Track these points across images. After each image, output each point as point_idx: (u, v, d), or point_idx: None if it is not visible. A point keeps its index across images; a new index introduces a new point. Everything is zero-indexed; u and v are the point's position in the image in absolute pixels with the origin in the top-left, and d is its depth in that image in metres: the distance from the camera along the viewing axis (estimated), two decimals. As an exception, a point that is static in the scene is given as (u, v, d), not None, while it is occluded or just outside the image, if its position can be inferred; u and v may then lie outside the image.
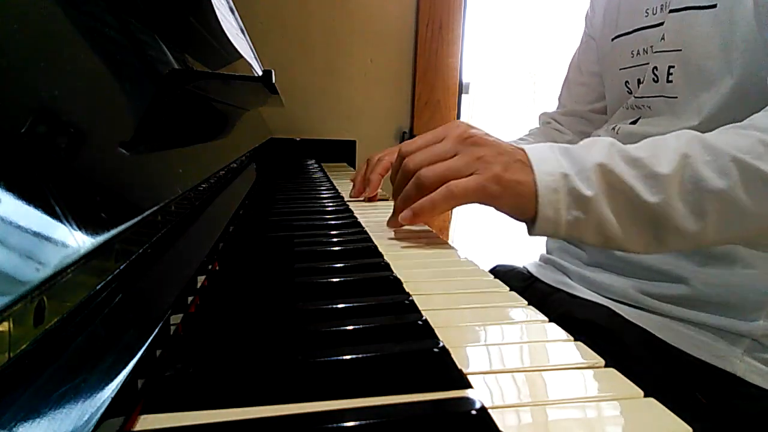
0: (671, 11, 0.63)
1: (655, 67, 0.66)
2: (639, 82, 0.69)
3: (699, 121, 0.60)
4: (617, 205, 0.46)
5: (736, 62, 0.57)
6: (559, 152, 0.48)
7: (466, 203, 0.47)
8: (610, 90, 0.79)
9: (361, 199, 0.77)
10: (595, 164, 0.46)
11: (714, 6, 0.59)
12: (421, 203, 0.48)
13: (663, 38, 0.64)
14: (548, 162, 0.47)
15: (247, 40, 1.02)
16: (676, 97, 0.64)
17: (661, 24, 0.65)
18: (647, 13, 0.68)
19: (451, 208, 0.47)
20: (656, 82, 0.66)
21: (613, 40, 0.75)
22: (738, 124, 0.50)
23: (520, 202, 0.47)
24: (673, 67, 0.63)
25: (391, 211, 0.54)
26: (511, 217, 0.49)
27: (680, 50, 0.62)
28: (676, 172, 0.46)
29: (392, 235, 0.54)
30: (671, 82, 0.64)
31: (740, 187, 0.45)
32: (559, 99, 0.94)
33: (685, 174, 0.46)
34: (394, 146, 0.79)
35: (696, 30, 0.60)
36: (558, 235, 0.48)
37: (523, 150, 0.49)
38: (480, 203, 0.48)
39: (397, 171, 0.53)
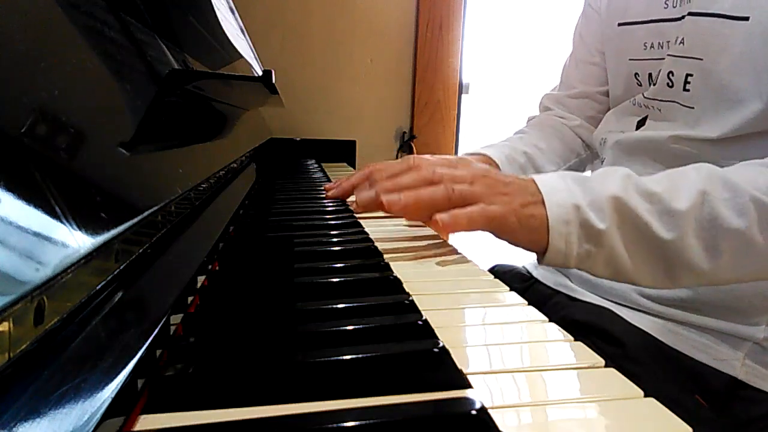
0: (693, 14, 0.59)
1: (671, 72, 0.62)
2: (650, 77, 0.67)
3: (718, 135, 0.58)
4: (629, 239, 0.45)
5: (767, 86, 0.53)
6: (572, 181, 0.48)
7: (488, 229, 0.47)
8: (615, 77, 0.76)
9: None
10: (609, 196, 0.45)
11: (746, 19, 0.54)
12: (462, 214, 0.45)
13: (682, 42, 0.60)
14: (559, 192, 0.47)
15: (247, 40, 1.02)
16: (693, 108, 0.61)
17: (680, 19, 0.61)
18: (666, 4, 0.63)
19: (478, 228, 0.47)
20: (671, 87, 0.63)
21: (620, 25, 0.71)
22: (761, 160, 0.49)
23: (533, 236, 0.46)
24: (691, 75, 0.60)
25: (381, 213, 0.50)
26: (525, 248, 0.48)
27: (701, 59, 0.58)
28: (693, 209, 0.44)
29: (393, 235, 0.54)
30: (688, 90, 0.61)
31: (756, 228, 0.44)
32: (564, 78, 0.88)
33: (703, 211, 0.44)
34: (394, 162, 0.71)
35: (721, 41, 0.56)
36: (567, 266, 0.47)
37: (534, 182, 0.48)
38: (496, 234, 0.47)
39: (404, 171, 0.51)
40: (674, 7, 0.63)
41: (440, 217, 0.45)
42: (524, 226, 0.46)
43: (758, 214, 0.44)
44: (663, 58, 0.64)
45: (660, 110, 0.66)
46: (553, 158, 0.82)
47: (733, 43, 0.55)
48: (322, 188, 0.81)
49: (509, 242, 0.48)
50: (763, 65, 0.54)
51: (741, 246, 0.45)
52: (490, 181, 0.48)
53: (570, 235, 0.45)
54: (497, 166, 0.75)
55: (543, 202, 0.46)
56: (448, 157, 0.67)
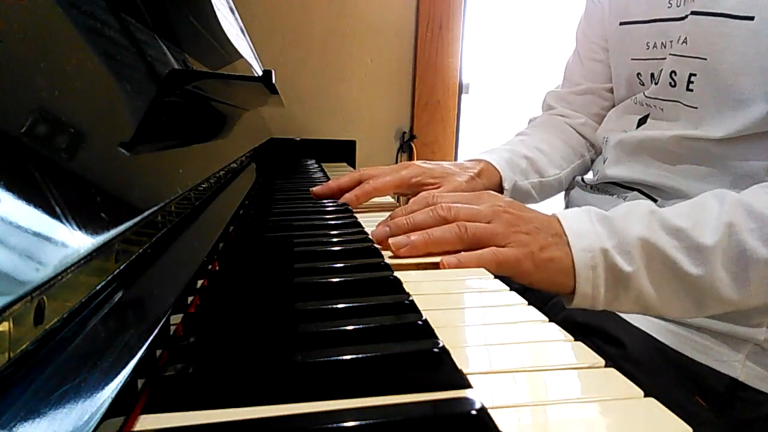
0: (696, 13, 0.58)
1: (674, 71, 0.62)
2: (652, 76, 0.67)
3: (722, 135, 0.57)
4: (658, 277, 0.45)
5: None
6: (597, 221, 0.47)
7: (499, 273, 0.45)
8: (618, 76, 0.76)
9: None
10: (636, 237, 0.45)
11: (751, 18, 0.54)
12: (471, 258, 0.44)
13: (685, 41, 0.60)
14: (586, 236, 0.46)
15: (247, 40, 1.02)
16: (697, 108, 0.60)
17: (683, 18, 0.61)
18: (670, 4, 0.63)
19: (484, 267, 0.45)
20: (673, 86, 0.62)
21: (621, 24, 0.71)
22: None
23: (554, 279, 0.46)
24: (694, 75, 0.60)
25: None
26: (544, 290, 0.47)
27: (705, 59, 0.58)
28: (721, 243, 0.44)
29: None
30: (691, 90, 0.60)
31: None
32: (568, 75, 0.88)
33: (730, 244, 0.44)
34: (387, 167, 0.70)
35: (726, 41, 0.56)
36: (595, 308, 0.47)
37: (558, 222, 0.47)
38: (510, 276, 0.45)
39: (422, 207, 0.49)
40: (678, 6, 0.63)
41: (446, 260, 0.43)
42: (541, 270, 0.45)
43: None
44: (665, 58, 0.64)
45: (662, 109, 0.65)
46: (557, 160, 0.81)
47: (738, 43, 0.55)
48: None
49: (524, 284, 0.46)
50: None
51: None
52: (512, 218, 0.47)
53: (597, 279, 0.45)
54: (498, 171, 0.74)
55: (568, 245, 0.45)
56: (474, 191, 0.60)
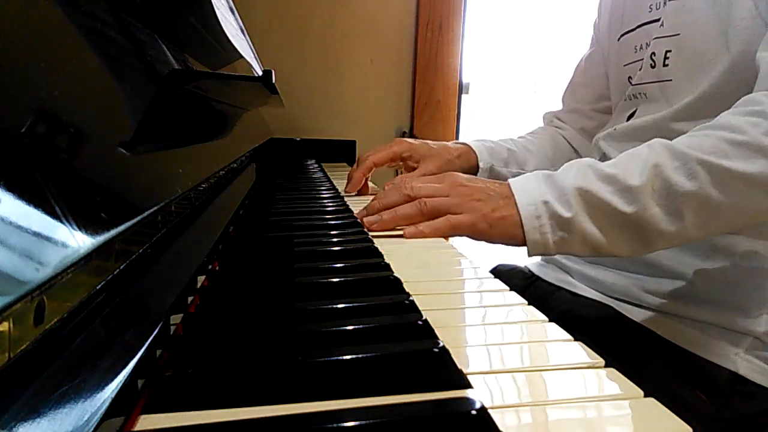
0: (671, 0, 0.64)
1: (653, 53, 0.66)
2: (639, 70, 0.70)
3: (693, 98, 0.61)
4: (598, 219, 0.51)
5: (734, 40, 0.58)
6: (543, 180, 0.54)
7: (459, 235, 0.54)
8: (614, 87, 0.80)
9: (354, 194, 0.81)
10: (573, 187, 0.51)
11: None
12: (427, 226, 0.54)
13: (662, 25, 0.65)
14: (530, 192, 0.53)
15: (247, 40, 1.02)
16: (671, 80, 0.65)
17: (660, 19, 0.66)
18: (651, 8, 0.68)
19: (445, 236, 0.54)
20: (653, 67, 0.67)
21: (618, 39, 0.75)
22: (707, 124, 0.53)
23: (508, 232, 0.52)
24: (670, 51, 0.65)
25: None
26: (504, 244, 0.54)
27: (678, 34, 0.63)
28: (648, 182, 0.50)
29: (393, 235, 0.54)
30: (667, 66, 0.65)
31: (710, 186, 0.48)
32: (563, 99, 0.96)
33: (656, 182, 0.50)
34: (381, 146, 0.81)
35: (694, 14, 0.61)
36: (549, 253, 0.53)
37: (508, 186, 0.54)
38: (471, 237, 0.54)
39: (391, 190, 0.58)
40: (657, 8, 0.67)
41: (408, 231, 0.54)
42: (496, 228, 0.52)
43: (708, 174, 0.49)
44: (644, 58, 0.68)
45: (646, 95, 0.69)
46: (541, 159, 0.88)
47: (703, 14, 0.61)
48: (323, 188, 0.82)
49: (486, 241, 0.54)
50: (728, 25, 0.58)
51: (700, 205, 0.49)
52: (466, 190, 0.55)
53: (543, 227, 0.51)
54: (476, 155, 0.82)
55: (515, 203, 0.52)
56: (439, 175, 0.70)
